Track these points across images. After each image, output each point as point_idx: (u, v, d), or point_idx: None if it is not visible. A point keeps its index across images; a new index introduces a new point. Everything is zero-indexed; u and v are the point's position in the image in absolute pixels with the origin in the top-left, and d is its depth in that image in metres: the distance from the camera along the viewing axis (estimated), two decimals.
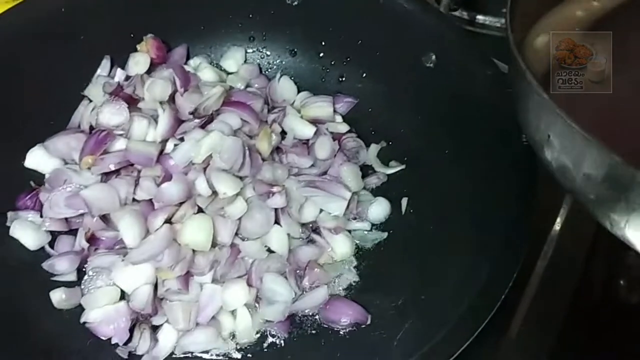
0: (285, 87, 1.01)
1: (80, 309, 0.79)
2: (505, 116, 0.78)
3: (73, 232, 0.85)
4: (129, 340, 0.78)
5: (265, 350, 0.79)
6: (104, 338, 0.77)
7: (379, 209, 0.90)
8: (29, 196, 0.87)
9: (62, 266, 0.82)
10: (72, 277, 0.82)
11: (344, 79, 1.02)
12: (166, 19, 1.00)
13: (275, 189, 0.85)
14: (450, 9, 1.05)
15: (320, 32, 1.01)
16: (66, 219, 0.84)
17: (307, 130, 0.94)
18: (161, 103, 0.87)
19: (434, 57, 0.89)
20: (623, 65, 0.68)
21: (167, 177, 0.82)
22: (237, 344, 0.79)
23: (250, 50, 1.05)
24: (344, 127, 0.97)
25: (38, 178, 0.89)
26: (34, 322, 0.78)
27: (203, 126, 0.87)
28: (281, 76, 1.01)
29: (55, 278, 0.82)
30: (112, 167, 0.83)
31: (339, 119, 0.99)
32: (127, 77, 0.95)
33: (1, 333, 0.75)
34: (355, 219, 0.90)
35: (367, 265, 0.87)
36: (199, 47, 1.04)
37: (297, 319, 0.82)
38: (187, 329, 0.78)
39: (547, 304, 0.88)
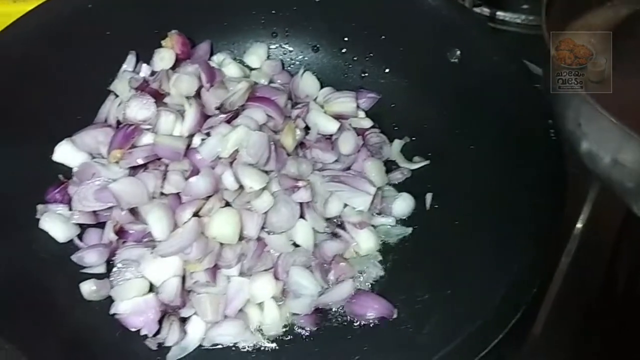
0: (308, 83, 1.01)
1: (109, 300, 0.80)
2: (532, 112, 0.79)
3: (101, 225, 0.87)
4: (158, 331, 0.78)
5: (292, 343, 0.80)
6: (133, 329, 0.78)
7: (403, 204, 0.91)
8: (57, 189, 0.88)
9: (91, 259, 0.83)
10: (102, 269, 0.83)
11: (366, 74, 1.03)
12: (190, 15, 1.01)
13: (300, 184, 0.85)
14: (475, 5, 1.05)
15: (343, 27, 1.02)
16: (94, 212, 0.85)
17: (331, 126, 0.95)
18: (187, 98, 0.88)
19: (458, 52, 0.90)
20: None
21: (195, 171, 0.83)
22: (264, 336, 0.80)
23: (272, 47, 1.06)
24: (367, 123, 0.98)
25: (66, 172, 0.90)
26: (64, 313, 0.79)
27: (229, 121, 0.88)
28: (304, 72, 1.02)
29: (84, 270, 0.83)
30: (140, 161, 0.84)
31: (361, 114, 1.00)
32: (153, 73, 0.96)
33: (31, 324, 0.75)
34: (379, 214, 0.91)
35: (392, 260, 0.87)
36: (222, 43, 1.05)
37: (324, 312, 0.82)
38: (215, 321, 0.79)
39: (571, 301, 0.88)
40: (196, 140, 0.87)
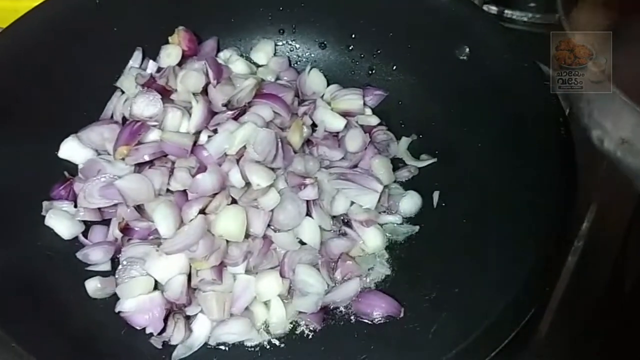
0: (314, 80, 1.01)
1: (114, 298, 0.80)
2: (543, 109, 0.78)
3: (106, 222, 0.86)
4: (163, 330, 0.78)
5: (299, 341, 0.79)
6: (138, 327, 0.78)
7: (410, 202, 0.90)
8: (63, 186, 0.87)
9: (96, 256, 0.82)
10: (107, 266, 0.83)
11: (373, 71, 1.02)
12: (196, 11, 1.01)
13: (307, 181, 0.85)
14: (485, 2, 1.04)
15: (350, 24, 1.01)
16: (100, 209, 0.85)
17: (338, 123, 0.94)
18: (194, 95, 0.87)
19: (467, 49, 0.89)
20: None
21: (202, 168, 0.82)
22: (270, 334, 0.80)
23: (279, 43, 1.05)
24: (374, 120, 0.97)
25: (72, 169, 0.90)
26: (69, 311, 0.78)
27: (236, 118, 0.88)
28: (311, 69, 1.01)
29: (90, 268, 0.83)
30: (147, 158, 0.83)
31: (368, 111, 0.99)
32: (159, 69, 0.96)
33: (37, 322, 0.75)
34: (386, 212, 0.90)
35: (399, 258, 0.87)
36: (228, 39, 1.04)
37: (330, 310, 0.82)
38: (221, 319, 0.79)
39: (578, 300, 0.87)
40: (203, 137, 0.86)
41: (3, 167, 0.84)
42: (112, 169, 0.85)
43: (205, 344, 0.79)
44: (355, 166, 0.92)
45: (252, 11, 1.03)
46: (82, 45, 0.93)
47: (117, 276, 0.80)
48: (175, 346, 0.78)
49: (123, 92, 0.94)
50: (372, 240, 0.86)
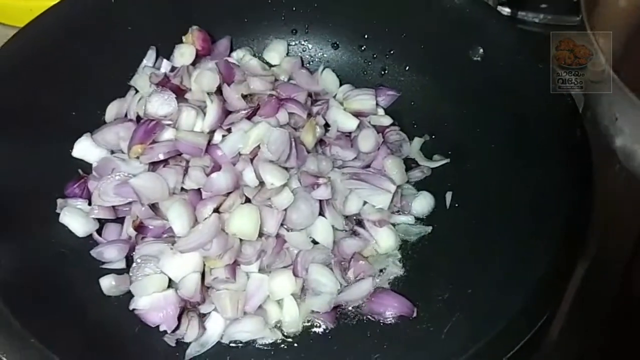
0: (327, 80, 1.01)
1: (129, 296, 0.80)
2: (558, 111, 0.78)
3: (120, 220, 0.87)
4: (177, 327, 0.78)
5: (312, 340, 0.80)
6: (152, 325, 0.78)
7: (423, 202, 0.90)
8: (77, 184, 0.88)
9: (110, 254, 0.83)
10: (121, 264, 0.84)
11: (386, 72, 1.02)
12: (210, 10, 1.01)
13: (320, 181, 0.85)
14: (499, 3, 1.04)
15: (363, 25, 1.01)
16: (114, 207, 0.85)
17: (351, 123, 0.94)
18: (209, 94, 0.88)
19: (481, 50, 0.89)
20: None
21: (216, 167, 0.82)
22: (283, 333, 0.80)
23: (292, 43, 1.05)
24: (387, 120, 0.97)
25: (86, 167, 0.90)
26: (83, 308, 0.79)
27: (249, 117, 0.88)
28: (323, 69, 1.02)
29: (104, 266, 0.83)
30: (162, 157, 0.83)
31: (381, 111, 0.99)
32: (173, 68, 0.96)
33: (50, 319, 0.75)
34: (399, 212, 0.90)
35: (412, 258, 0.87)
36: (242, 39, 1.04)
37: (343, 310, 0.82)
38: (234, 317, 0.79)
39: (589, 305, 0.87)
40: (217, 137, 0.86)
41: (18, 165, 0.84)
42: (127, 167, 0.85)
43: (219, 341, 0.79)
44: (368, 166, 0.92)
45: (265, 11, 1.03)
46: (97, 44, 0.94)
47: (131, 274, 0.81)
48: (188, 344, 0.78)
49: (137, 91, 0.94)
50: (384, 240, 0.87)
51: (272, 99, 0.89)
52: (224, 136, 0.86)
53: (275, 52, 1.04)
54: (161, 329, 0.78)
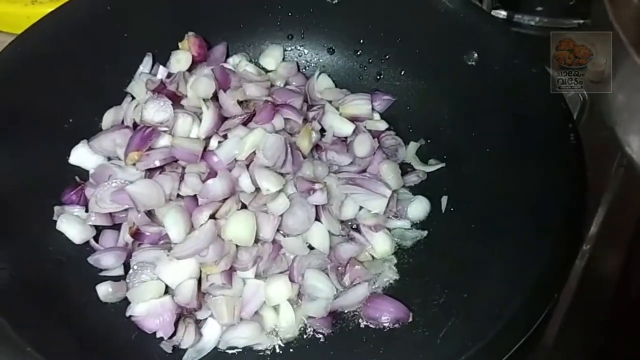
0: (323, 85, 1.02)
1: (125, 302, 0.81)
2: (552, 115, 0.78)
3: (117, 227, 0.87)
4: (174, 334, 0.78)
5: (308, 346, 0.80)
6: (149, 332, 0.78)
7: (418, 207, 0.90)
8: (74, 191, 0.88)
9: (107, 261, 0.83)
10: (119, 271, 0.84)
11: (381, 76, 1.03)
12: (206, 17, 1.01)
13: (316, 186, 0.85)
14: (493, 7, 1.04)
15: (358, 30, 1.02)
16: (111, 213, 0.86)
17: (346, 128, 0.95)
18: (205, 100, 0.88)
19: (476, 55, 0.89)
20: None
21: (212, 174, 0.83)
22: (279, 339, 0.80)
23: (288, 49, 1.06)
24: (382, 125, 0.98)
25: (83, 173, 0.91)
26: (80, 315, 0.79)
27: (245, 123, 0.88)
28: (319, 74, 1.02)
29: (103, 273, 0.83)
30: (158, 163, 0.84)
31: (376, 116, 1.00)
32: (169, 75, 0.96)
33: (48, 325, 0.75)
34: (394, 217, 0.91)
35: (408, 263, 0.87)
36: (238, 45, 1.05)
37: (339, 315, 0.82)
38: (231, 323, 0.79)
39: (585, 306, 0.87)
40: (213, 143, 0.87)
41: (15, 171, 0.85)
42: (123, 174, 0.85)
43: (215, 348, 0.80)
44: (364, 171, 0.92)
45: (261, 17, 1.03)
46: (94, 51, 0.94)
47: (128, 280, 0.81)
48: (185, 350, 0.78)
49: (133, 98, 0.95)
50: (380, 245, 0.87)
51: (267, 105, 0.89)
52: (219, 142, 0.86)
53: (272, 57, 1.04)
54: (158, 335, 0.78)
